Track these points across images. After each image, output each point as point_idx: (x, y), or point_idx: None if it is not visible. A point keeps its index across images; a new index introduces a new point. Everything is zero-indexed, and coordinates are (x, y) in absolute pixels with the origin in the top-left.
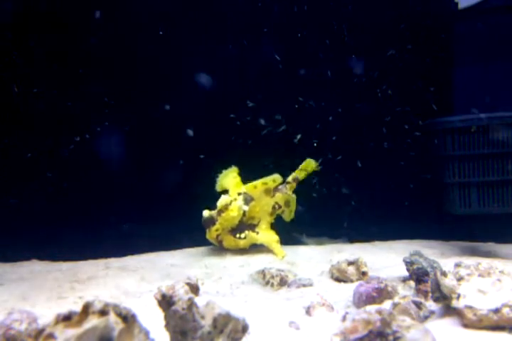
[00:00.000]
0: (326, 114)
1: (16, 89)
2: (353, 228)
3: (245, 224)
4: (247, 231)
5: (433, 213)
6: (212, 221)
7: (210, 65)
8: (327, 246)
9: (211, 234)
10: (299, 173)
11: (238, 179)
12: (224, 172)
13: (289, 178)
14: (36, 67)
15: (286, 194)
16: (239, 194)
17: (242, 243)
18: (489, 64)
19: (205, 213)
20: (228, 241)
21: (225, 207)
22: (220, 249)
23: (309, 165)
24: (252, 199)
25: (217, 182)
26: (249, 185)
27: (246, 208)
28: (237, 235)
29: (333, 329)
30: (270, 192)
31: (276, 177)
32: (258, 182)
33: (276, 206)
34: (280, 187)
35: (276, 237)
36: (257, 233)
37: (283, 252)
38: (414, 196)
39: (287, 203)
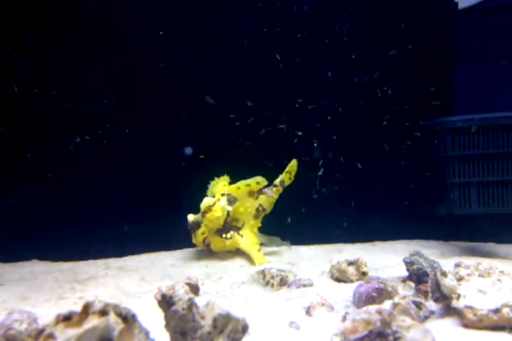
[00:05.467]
0: (326, 114)
1: (15, 89)
2: (353, 228)
3: (230, 225)
4: (232, 232)
5: (433, 213)
6: (197, 224)
7: (210, 65)
8: (327, 246)
9: (197, 238)
10: (285, 176)
11: (227, 187)
12: (216, 179)
13: (276, 181)
14: (36, 67)
15: (271, 197)
16: (222, 195)
17: (228, 243)
18: (489, 64)
19: (190, 217)
20: (216, 242)
21: (209, 208)
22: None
23: (293, 165)
24: (235, 200)
25: (209, 189)
26: (232, 186)
27: (230, 208)
28: (223, 235)
29: (333, 330)
30: (254, 194)
31: (260, 179)
32: (241, 184)
33: (261, 208)
34: (265, 189)
35: (257, 246)
36: (241, 236)
37: (262, 259)
38: (414, 196)
39: (271, 205)
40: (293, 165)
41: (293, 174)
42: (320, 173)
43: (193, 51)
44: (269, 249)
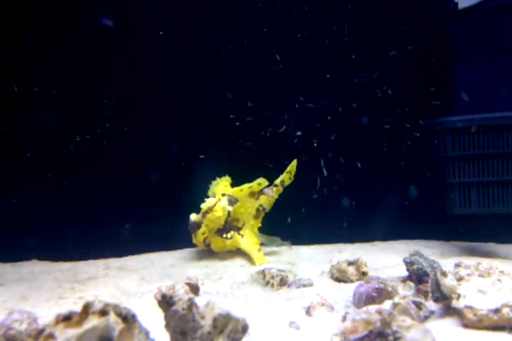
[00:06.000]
0: (326, 114)
1: (15, 89)
2: (353, 228)
3: (230, 225)
4: (232, 232)
5: (433, 213)
6: (198, 224)
7: (210, 65)
8: (327, 246)
9: (198, 238)
10: (286, 176)
11: (229, 188)
12: (217, 180)
13: (277, 181)
14: (36, 67)
15: (272, 197)
16: (223, 195)
17: (229, 243)
18: (489, 64)
19: (193, 216)
20: (216, 242)
21: (210, 209)
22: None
23: (294, 165)
24: (236, 200)
25: (210, 189)
26: (235, 189)
27: (230, 208)
28: (224, 235)
29: (333, 330)
30: (255, 194)
31: (262, 180)
32: (244, 187)
33: (261, 208)
34: (266, 189)
35: (257, 246)
36: (242, 236)
37: (262, 259)
38: (414, 196)
39: (271, 205)
40: (293, 165)
41: (293, 174)
42: (325, 174)
43: (194, 51)
44: (269, 249)
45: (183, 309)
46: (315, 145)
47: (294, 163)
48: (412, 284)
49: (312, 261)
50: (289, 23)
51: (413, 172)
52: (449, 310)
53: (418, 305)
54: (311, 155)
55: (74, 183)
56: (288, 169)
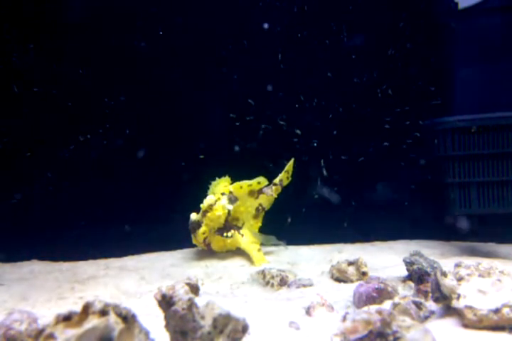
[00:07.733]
0: (326, 114)
1: (16, 89)
2: (353, 228)
3: (230, 224)
4: (233, 230)
5: (433, 213)
6: (198, 224)
7: (210, 65)
8: (327, 246)
9: (198, 238)
10: (284, 175)
11: (228, 188)
12: (217, 180)
13: (276, 180)
14: (36, 67)
15: (271, 196)
16: (222, 194)
17: (229, 242)
18: (489, 64)
19: (193, 216)
20: (216, 241)
21: (210, 207)
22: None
23: (291, 165)
24: (236, 199)
25: (210, 189)
26: (235, 184)
27: (230, 207)
28: (225, 234)
29: (333, 330)
30: (254, 193)
31: (261, 179)
32: (244, 183)
33: (260, 208)
34: (265, 189)
35: (257, 246)
36: (242, 235)
37: (262, 259)
38: (414, 196)
39: (270, 204)
40: (290, 164)
41: (290, 173)
42: (325, 174)
43: (193, 51)
44: (268, 249)
45: (183, 309)
46: (315, 145)
47: (291, 162)
48: (412, 284)
49: (312, 261)
50: (288, 22)
51: (413, 172)
52: (449, 310)
53: (418, 305)
54: (311, 155)
55: (74, 183)
56: (286, 168)
